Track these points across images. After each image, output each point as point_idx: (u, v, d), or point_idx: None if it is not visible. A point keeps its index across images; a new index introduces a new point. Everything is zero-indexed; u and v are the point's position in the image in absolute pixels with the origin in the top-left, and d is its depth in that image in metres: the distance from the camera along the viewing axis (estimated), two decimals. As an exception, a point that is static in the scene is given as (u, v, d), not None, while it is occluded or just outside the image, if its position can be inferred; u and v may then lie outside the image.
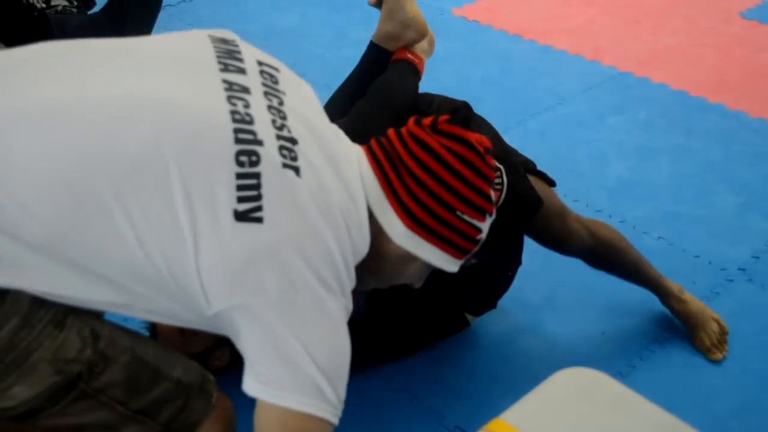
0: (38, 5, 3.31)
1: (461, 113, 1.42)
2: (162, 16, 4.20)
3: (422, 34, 2.11)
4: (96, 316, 1.23)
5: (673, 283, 2.25)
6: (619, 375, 2.12)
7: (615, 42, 3.94)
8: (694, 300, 2.23)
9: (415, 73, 2.09)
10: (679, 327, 2.25)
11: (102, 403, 1.19)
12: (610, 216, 2.71)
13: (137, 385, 1.22)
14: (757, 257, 2.53)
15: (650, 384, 2.08)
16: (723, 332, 2.19)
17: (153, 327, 1.97)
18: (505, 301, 2.27)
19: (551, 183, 2.10)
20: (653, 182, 2.91)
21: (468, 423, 1.96)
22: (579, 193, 2.79)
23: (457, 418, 1.98)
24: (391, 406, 2.04)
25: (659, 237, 2.62)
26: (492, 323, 2.28)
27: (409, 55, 2.09)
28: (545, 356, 2.19)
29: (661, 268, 2.47)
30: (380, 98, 1.97)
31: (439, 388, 2.08)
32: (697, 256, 2.54)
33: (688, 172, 2.97)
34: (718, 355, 2.15)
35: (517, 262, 2.13)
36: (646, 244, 2.58)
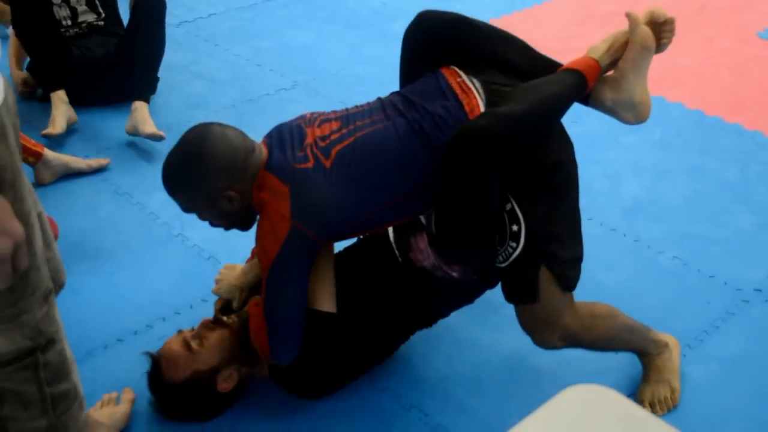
0: (65, 22, 3.38)
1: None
2: (179, 33, 4.25)
3: (640, 122, 1.95)
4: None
5: (662, 339, 2.10)
6: (631, 394, 2.09)
7: (631, 61, 3.92)
8: (671, 361, 2.09)
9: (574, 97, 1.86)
10: (692, 347, 2.22)
11: (37, 379, 1.28)
12: (624, 235, 2.69)
13: (59, 373, 1.32)
14: (774, 278, 2.50)
15: (664, 405, 2.06)
16: (669, 402, 2.05)
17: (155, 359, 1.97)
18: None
19: (567, 287, 1.89)
20: (668, 202, 2.89)
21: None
22: (593, 212, 2.77)
23: (467, 436, 1.96)
24: (400, 423, 2.02)
25: (674, 257, 2.59)
26: (503, 341, 2.26)
27: (593, 83, 1.85)
28: (556, 374, 2.16)
29: (676, 288, 2.45)
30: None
31: (449, 405, 2.06)
32: (712, 277, 2.51)
33: (703, 191, 2.95)
34: (649, 408, 2.04)
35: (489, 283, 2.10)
36: (661, 264, 2.56)
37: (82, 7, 3.44)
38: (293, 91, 3.65)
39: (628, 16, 1.84)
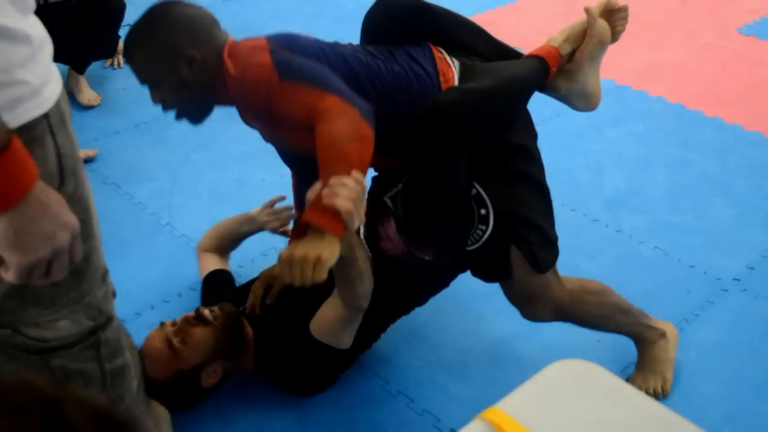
0: None
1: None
2: (165, 24, 4.24)
3: (591, 110, 2.06)
4: None
5: (659, 327, 2.11)
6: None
7: (613, 55, 3.93)
8: (666, 351, 2.10)
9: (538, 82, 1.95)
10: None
11: (98, 357, 1.30)
12: (606, 225, 2.73)
13: (116, 349, 1.34)
14: (752, 268, 2.55)
15: (645, 390, 2.10)
16: (660, 392, 2.07)
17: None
18: (502, 307, 2.28)
19: (539, 268, 1.89)
20: (650, 193, 2.94)
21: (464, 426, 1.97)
22: (576, 203, 2.82)
23: (452, 421, 1.99)
24: (387, 409, 2.05)
25: (655, 247, 2.64)
26: (488, 328, 2.30)
27: (554, 68, 1.94)
28: (541, 361, 2.18)
29: (657, 277, 2.50)
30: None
31: (436, 391, 2.10)
32: (692, 266, 2.56)
33: (684, 183, 3.00)
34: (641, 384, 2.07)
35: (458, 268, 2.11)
36: (642, 254, 2.61)
37: None
38: (280, 84, 3.67)
39: (586, 10, 1.91)
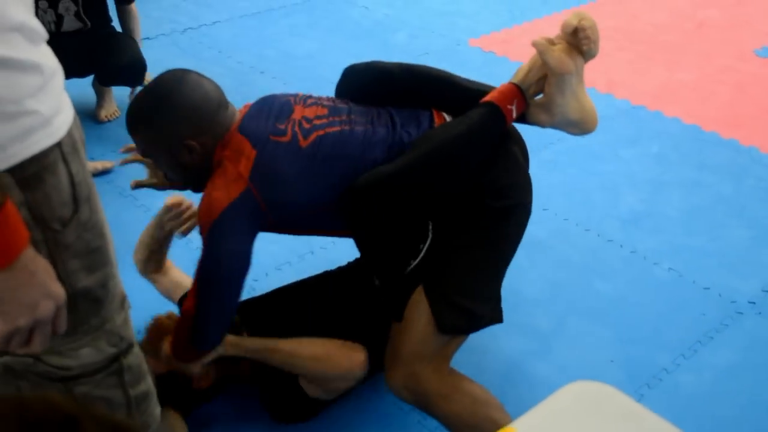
0: (49, 28, 3.32)
1: None
2: (183, 39, 4.30)
3: (587, 133, 1.90)
4: None
5: None
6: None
7: (628, 76, 3.98)
8: None
9: (496, 134, 1.84)
10: (686, 357, 2.26)
11: (121, 383, 1.29)
12: (621, 246, 2.73)
13: (139, 374, 1.33)
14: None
15: (658, 412, 2.08)
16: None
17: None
18: (515, 326, 2.28)
19: (439, 326, 1.77)
20: (665, 214, 2.93)
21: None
22: (591, 224, 2.81)
23: (464, 439, 1.98)
24: (399, 426, 2.05)
25: (669, 268, 2.63)
26: (502, 347, 2.29)
27: (509, 106, 1.80)
28: (553, 381, 2.19)
29: (671, 299, 2.49)
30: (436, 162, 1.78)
31: (448, 409, 2.09)
32: (707, 288, 2.55)
33: (699, 205, 2.99)
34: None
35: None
36: (657, 276, 2.60)
37: (69, 16, 3.28)
38: (296, 99, 3.69)
39: (534, 44, 1.79)
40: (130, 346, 1.31)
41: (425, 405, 1.82)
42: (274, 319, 2.09)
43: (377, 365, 2.03)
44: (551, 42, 1.79)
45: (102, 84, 3.44)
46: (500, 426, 1.69)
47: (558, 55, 1.77)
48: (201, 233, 1.75)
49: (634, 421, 0.97)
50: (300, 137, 1.77)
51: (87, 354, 1.23)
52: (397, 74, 1.92)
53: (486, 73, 4.05)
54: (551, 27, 4.54)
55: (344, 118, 1.84)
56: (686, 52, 4.31)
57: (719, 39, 4.49)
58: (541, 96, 1.83)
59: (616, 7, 4.90)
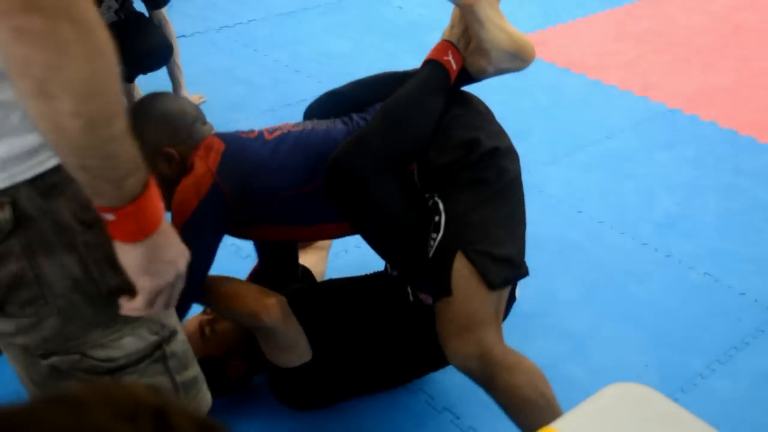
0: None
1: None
2: (219, 37, 4.33)
3: (530, 61, 1.97)
4: None
5: None
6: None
7: (665, 79, 3.95)
8: None
9: (444, 85, 1.89)
10: (722, 362, 2.25)
11: (166, 369, 1.31)
12: (656, 250, 2.71)
13: (185, 361, 1.36)
14: (805, 297, 2.52)
15: (692, 417, 2.08)
16: None
17: None
18: (550, 328, 2.28)
19: (488, 281, 1.72)
20: (701, 218, 2.91)
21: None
22: (625, 227, 2.80)
23: (497, 440, 1.99)
24: (432, 424, 2.06)
25: (705, 273, 2.62)
26: (536, 349, 2.29)
27: (446, 57, 1.89)
28: (588, 383, 2.19)
29: (706, 304, 2.47)
30: (392, 126, 1.85)
31: (481, 408, 2.09)
32: (743, 294, 2.53)
33: (736, 209, 2.97)
34: None
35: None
36: (692, 280, 2.59)
37: (110, 14, 3.24)
38: (331, 98, 3.71)
39: None
40: (174, 333, 1.33)
41: (490, 376, 1.75)
42: (324, 312, 2.09)
43: (404, 376, 2.11)
44: None
45: (129, 75, 3.39)
46: (553, 405, 1.73)
47: None
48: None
49: (675, 423, 0.97)
50: (266, 134, 1.92)
51: (130, 343, 1.25)
52: (347, 91, 2.08)
53: (520, 74, 4.05)
54: (587, 29, 4.55)
55: (307, 125, 1.96)
56: (723, 56, 4.27)
57: (756, 42, 4.44)
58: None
59: (652, 9, 4.87)
